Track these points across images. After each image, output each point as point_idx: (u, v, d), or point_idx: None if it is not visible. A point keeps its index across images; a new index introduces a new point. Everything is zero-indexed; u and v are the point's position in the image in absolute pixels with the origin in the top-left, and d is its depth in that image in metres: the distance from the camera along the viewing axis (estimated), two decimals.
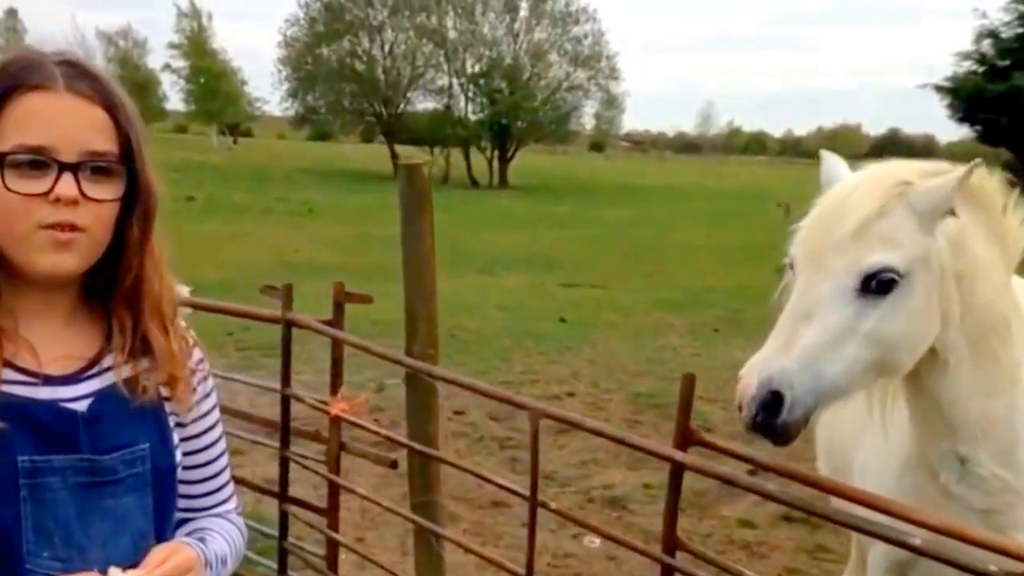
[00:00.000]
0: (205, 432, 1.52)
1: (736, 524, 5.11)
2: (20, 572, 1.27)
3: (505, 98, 44.79)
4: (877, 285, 1.86)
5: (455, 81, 46.91)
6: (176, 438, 1.44)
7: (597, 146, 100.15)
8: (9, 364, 1.29)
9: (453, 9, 45.92)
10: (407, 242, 3.11)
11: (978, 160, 1.98)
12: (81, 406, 1.33)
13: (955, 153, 44.14)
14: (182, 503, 1.50)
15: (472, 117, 46.39)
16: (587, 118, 52.90)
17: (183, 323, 1.50)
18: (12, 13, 67.74)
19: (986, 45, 24.59)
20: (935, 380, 2.02)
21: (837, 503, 2.13)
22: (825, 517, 2.01)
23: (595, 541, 4.70)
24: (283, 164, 43.61)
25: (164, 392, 1.42)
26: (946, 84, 24.64)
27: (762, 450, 2.09)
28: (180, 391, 1.43)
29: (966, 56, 24.82)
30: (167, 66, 58.01)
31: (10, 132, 1.26)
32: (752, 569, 3.37)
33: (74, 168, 1.26)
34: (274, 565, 3.68)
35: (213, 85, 56.75)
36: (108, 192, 1.30)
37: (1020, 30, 23.89)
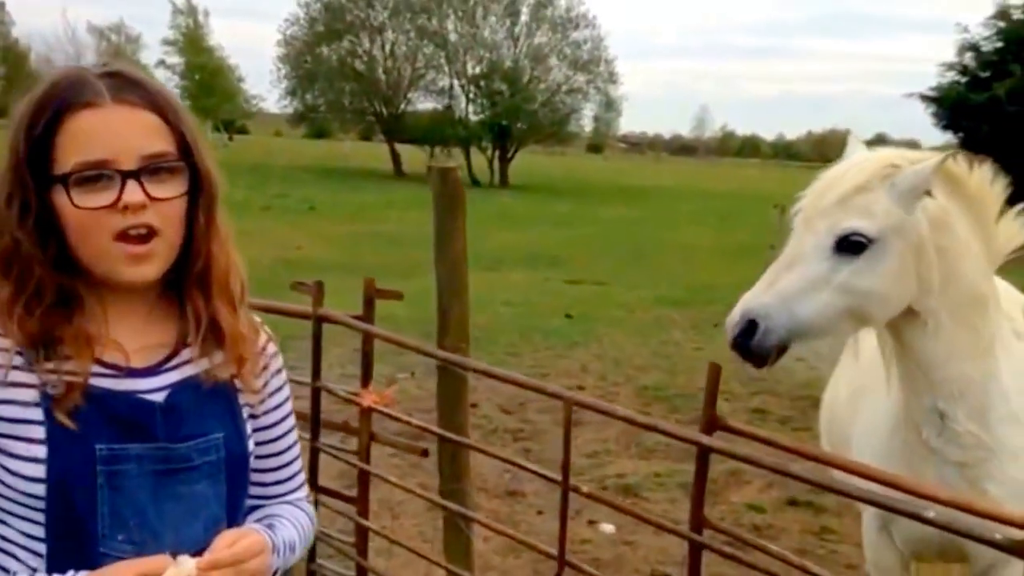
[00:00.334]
0: (277, 423, 1.56)
1: (745, 508, 5.30)
2: (95, 555, 1.31)
3: (505, 100, 44.63)
4: (849, 245, 2.21)
5: (456, 82, 46.80)
6: (249, 428, 1.48)
7: (595, 147, 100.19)
8: (98, 361, 1.35)
9: (454, 12, 45.77)
10: (440, 241, 3.21)
11: (953, 150, 2.30)
12: (159, 397, 1.38)
13: None
14: (254, 490, 1.54)
15: (473, 118, 46.23)
16: (586, 120, 52.87)
17: (257, 318, 1.57)
18: None
19: (968, 57, 25.40)
20: (917, 339, 2.32)
21: (842, 478, 2.30)
22: (846, 494, 2.15)
23: (610, 527, 4.85)
24: (281, 161, 43.34)
25: (234, 379, 1.46)
26: (931, 93, 25.42)
27: (783, 435, 2.26)
28: (245, 372, 1.46)
29: (949, 67, 25.60)
30: (161, 62, 57.20)
31: (68, 153, 1.29)
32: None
33: (136, 174, 1.29)
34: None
35: (209, 82, 56.29)
36: (173, 189, 1.34)
37: (999, 44, 24.73)
